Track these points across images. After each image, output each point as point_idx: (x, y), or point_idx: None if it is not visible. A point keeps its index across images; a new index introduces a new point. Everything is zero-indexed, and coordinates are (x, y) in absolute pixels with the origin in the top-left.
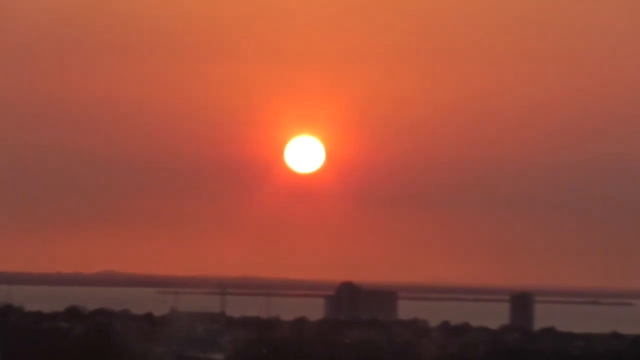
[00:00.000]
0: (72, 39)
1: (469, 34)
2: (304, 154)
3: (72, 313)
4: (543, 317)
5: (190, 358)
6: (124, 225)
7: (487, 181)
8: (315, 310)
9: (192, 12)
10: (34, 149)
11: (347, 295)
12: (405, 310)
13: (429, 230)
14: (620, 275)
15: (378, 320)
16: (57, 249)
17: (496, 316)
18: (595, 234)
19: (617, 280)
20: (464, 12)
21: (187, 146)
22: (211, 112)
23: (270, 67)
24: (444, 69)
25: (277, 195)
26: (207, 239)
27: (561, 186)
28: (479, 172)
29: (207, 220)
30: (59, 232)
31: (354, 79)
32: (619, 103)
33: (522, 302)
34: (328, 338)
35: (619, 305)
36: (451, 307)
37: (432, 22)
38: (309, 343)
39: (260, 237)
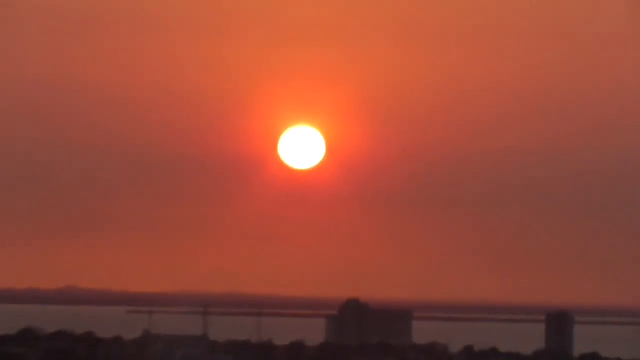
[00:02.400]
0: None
1: (487, 16)
2: (301, 146)
3: (27, 336)
4: (584, 341)
5: None
6: (88, 233)
7: (514, 177)
8: (314, 333)
9: None
10: None
11: (352, 314)
12: (422, 332)
13: (449, 236)
14: None
15: (389, 344)
16: (9, 261)
17: (529, 339)
18: None
19: None
20: None
21: (163, 139)
22: (190, 98)
23: (261, 45)
24: (464, 50)
25: (270, 195)
26: (187, 248)
27: (611, 187)
28: (505, 166)
29: (187, 226)
30: (11, 242)
31: (359, 58)
32: None
33: (560, 322)
34: None
35: None
36: (476, 329)
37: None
38: None
39: (249, 246)
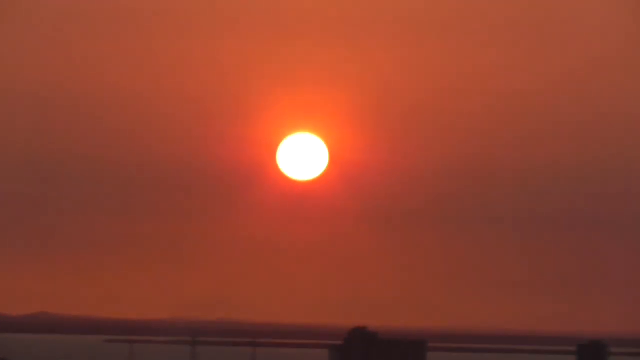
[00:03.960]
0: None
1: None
2: (301, 155)
3: None
4: None
5: None
6: (61, 253)
7: (537, 191)
8: None
9: None
10: None
11: (359, 344)
12: None
13: (466, 256)
14: None
15: None
16: None
17: None
18: None
19: None
20: None
21: (149, 147)
22: (180, 102)
23: (258, 44)
24: (483, 49)
25: (266, 209)
26: (173, 269)
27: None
28: (528, 179)
29: (173, 245)
30: None
31: (366, 59)
32: None
33: (592, 353)
34: None
35: None
36: None
37: None
38: None
39: (243, 267)
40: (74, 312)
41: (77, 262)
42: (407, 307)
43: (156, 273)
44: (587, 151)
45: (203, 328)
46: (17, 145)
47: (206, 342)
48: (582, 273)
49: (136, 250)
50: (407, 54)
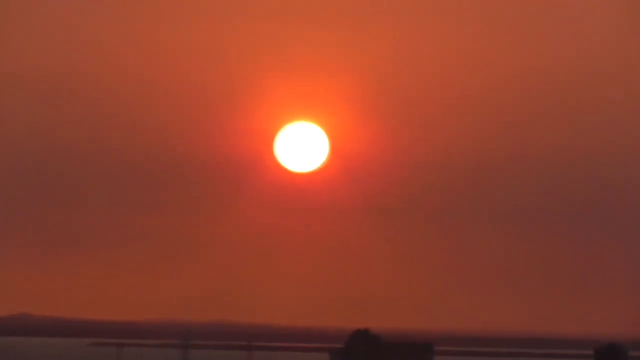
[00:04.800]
0: None
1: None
2: (300, 146)
3: None
4: None
5: None
6: (44, 250)
7: (549, 185)
8: None
9: None
10: None
11: (360, 348)
12: None
13: (475, 254)
14: None
15: None
16: None
17: None
18: None
19: None
20: None
21: (138, 138)
22: (172, 90)
23: (254, 28)
24: (493, 34)
25: (263, 203)
26: (164, 268)
27: None
28: (540, 173)
29: (164, 241)
30: None
31: (369, 43)
32: None
33: (611, 357)
34: None
35: None
36: None
37: None
38: None
39: (238, 266)
40: (57, 314)
41: (60, 260)
42: (412, 308)
43: (145, 271)
44: (611, 145)
45: (195, 330)
46: None
47: (199, 345)
48: (597, 271)
49: (123, 247)
50: (412, 39)
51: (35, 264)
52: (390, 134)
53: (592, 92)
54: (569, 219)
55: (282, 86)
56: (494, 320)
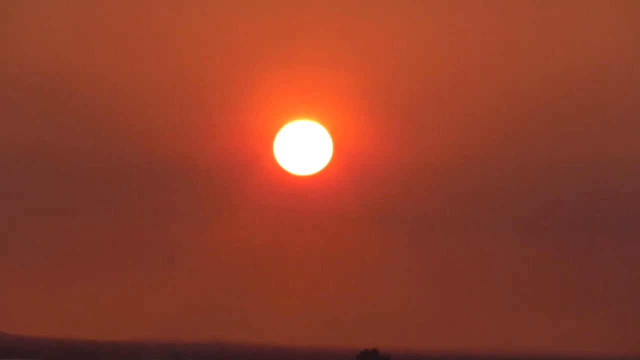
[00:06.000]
0: None
1: None
2: (302, 146)
3: None
4: None
5: None
6: (16, 262)
7: (573, 191)
8: None
9: None
10: None
11: None
12: None
13: (495, 267)
14: None
15: None
16: None
17: None
18: None
19: None
20: None
21: (122, 138)
22: (162, 84)
23: (251, 16)
24: (495, 27)
25: (261, 209)
26: (151, 281)
27: None
28: (564, 178)
29: (152, 251)
30: None
31: (377, 33)
32: None
33: None
34: None
35: None
36: None
37: None
38: None
39: (233, 279)
40: (31, 333)
41: (35, 272)
42: (424, 326)
43: (129, 285)
44: (629, 149)
45: (186, 351)
46: None
47: None
48: (617, 285)
49: (106, 258)
50: (421, 32)
51: (5, 278)
52: (401, 134)
53: (608, 95)
54: (584, 228)
55: (282, 81)
56: (512, 338)
